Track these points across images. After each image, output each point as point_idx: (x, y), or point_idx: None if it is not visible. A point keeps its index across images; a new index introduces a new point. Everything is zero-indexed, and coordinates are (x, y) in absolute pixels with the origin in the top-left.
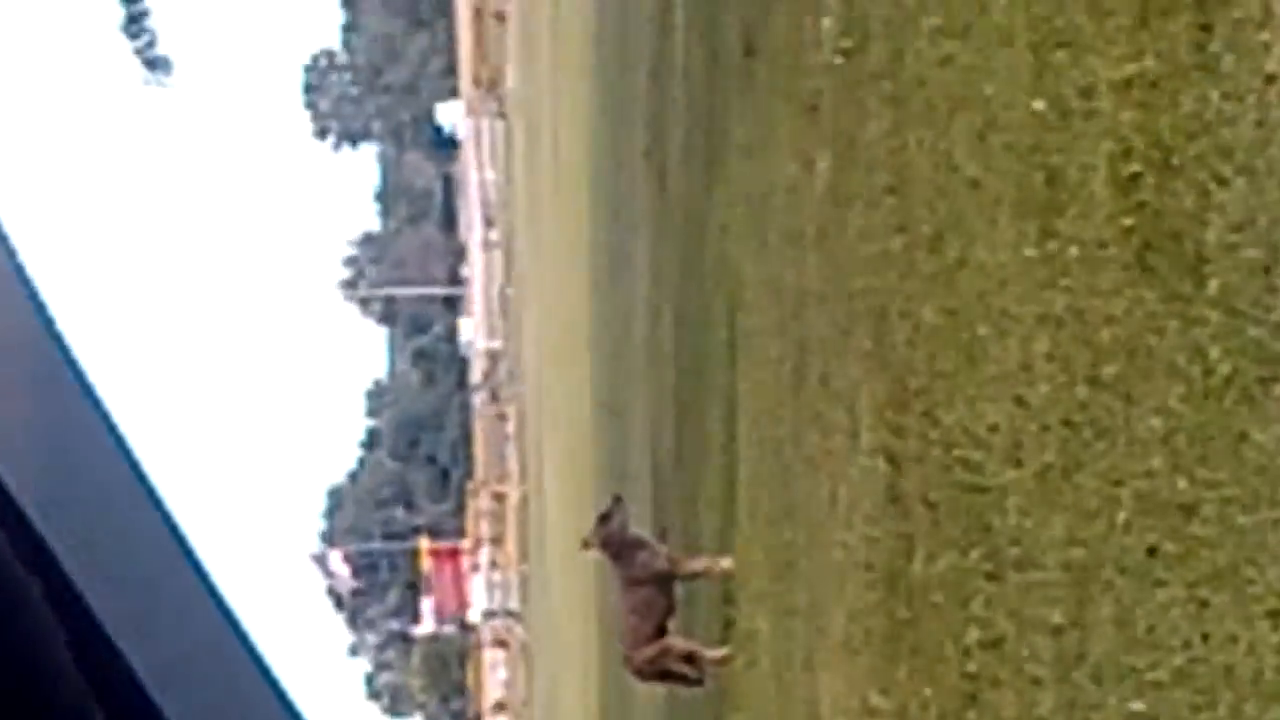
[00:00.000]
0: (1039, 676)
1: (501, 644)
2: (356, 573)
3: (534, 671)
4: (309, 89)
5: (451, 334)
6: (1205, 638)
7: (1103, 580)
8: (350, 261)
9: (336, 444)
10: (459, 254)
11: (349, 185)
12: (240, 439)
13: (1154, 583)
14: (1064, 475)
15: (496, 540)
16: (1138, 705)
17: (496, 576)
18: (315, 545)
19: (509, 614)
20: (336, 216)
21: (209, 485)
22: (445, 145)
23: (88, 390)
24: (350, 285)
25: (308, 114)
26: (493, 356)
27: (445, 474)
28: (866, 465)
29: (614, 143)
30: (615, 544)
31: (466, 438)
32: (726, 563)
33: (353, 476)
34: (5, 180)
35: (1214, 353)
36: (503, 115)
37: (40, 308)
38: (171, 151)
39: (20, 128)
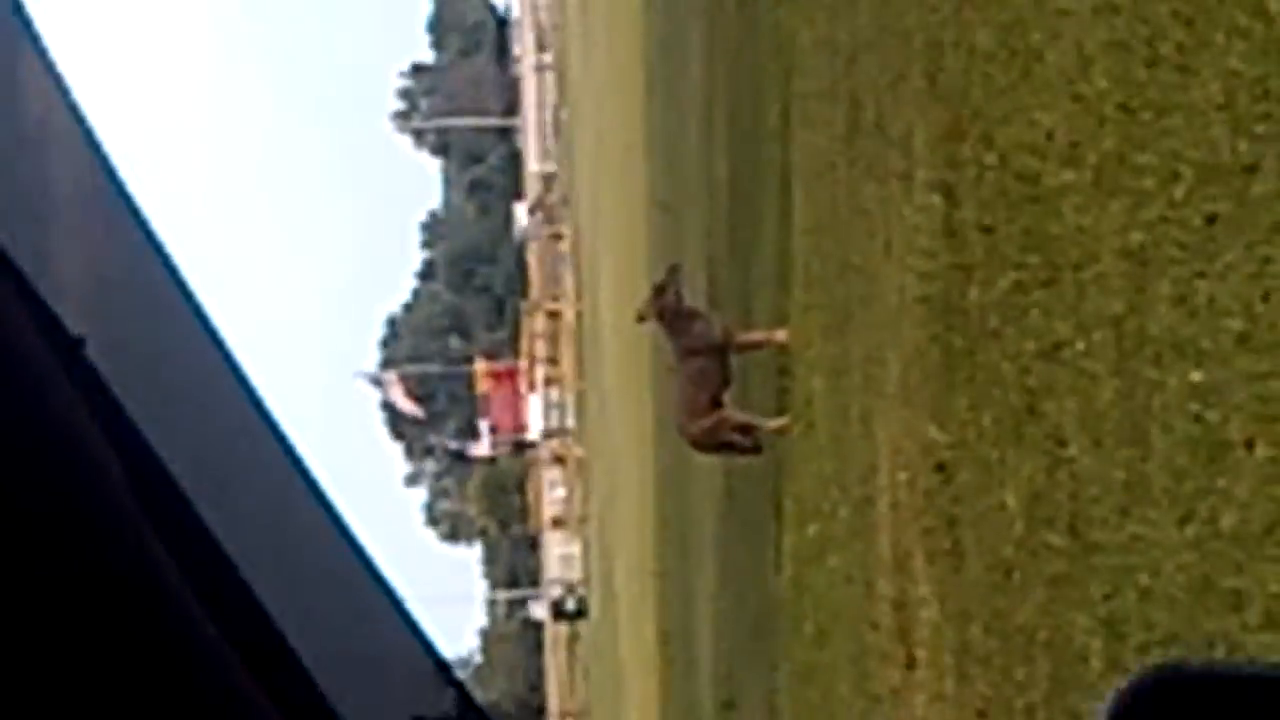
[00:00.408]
0: (1096, 373)
1: (559, 461)
2: (414, 398)
3: (591, 487)
4: None
5: (506, 165)
6: (1265, 297)
7: (1162, 258)
8: (404, 93)
9: (393, 274)
10: (513, 85)
11: (401, 16)
12: (298, 270)
13: (1213, 252)
14: (1121, 162)
15: (552, 359)
16: (1197, 376)
17: (553, 395)
18: (373, 369)
19: (565, 432)
20: (389, 47)
21: (269, 318)
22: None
23: (150, 235)
24: (404, 116)
25: None
26: (547, 179)
27: (500, 304)
28: (922, 203)
29: None
30: (671, 314)
31: (521, 268)
32: (781, 334)
33: (408, 307)
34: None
35: (1274, 5)
36: None
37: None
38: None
39: None
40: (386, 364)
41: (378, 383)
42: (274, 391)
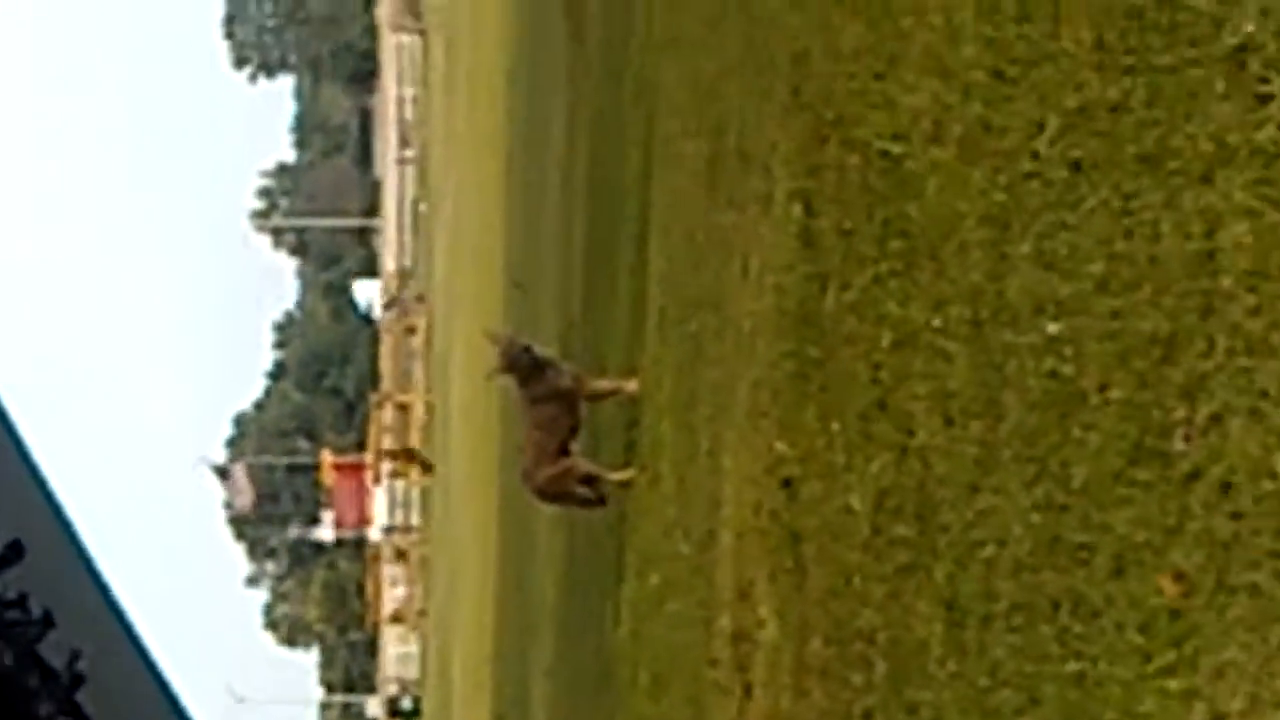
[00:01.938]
0: (950, 351)
1: (401, 557)
2: (256, 488)
3: (432, 583)
4: (229, 19)
5: (364, 269)
6: (1128, 234)
7: (1024, 217)
8: (264, 192)
9: (244, 373)
10: (374, 187)
11: (265, 116)
12: (148, 364)
13: (1077, 199)
14: (986, 128)
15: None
16: (1054, 328)
17: (398, 490)
18: (220, 459)
19: (409, 528)
20: (251, 147)
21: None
22: (364, 319)
23: None
24: (263, 216)
25: (226, 44)
26: (402, 273)
27: (350, 406)
28: (780, 218)
29: (533, 14)
30: (521, 363)
31: (374, 372)
32: (632, 384)
33: (258, 405)
34: None
35: None
36: (422, 32)
37: None
38: (87, 75)
39: None
40: (234, 460)
41: (223, 473)
42: (117, 487)
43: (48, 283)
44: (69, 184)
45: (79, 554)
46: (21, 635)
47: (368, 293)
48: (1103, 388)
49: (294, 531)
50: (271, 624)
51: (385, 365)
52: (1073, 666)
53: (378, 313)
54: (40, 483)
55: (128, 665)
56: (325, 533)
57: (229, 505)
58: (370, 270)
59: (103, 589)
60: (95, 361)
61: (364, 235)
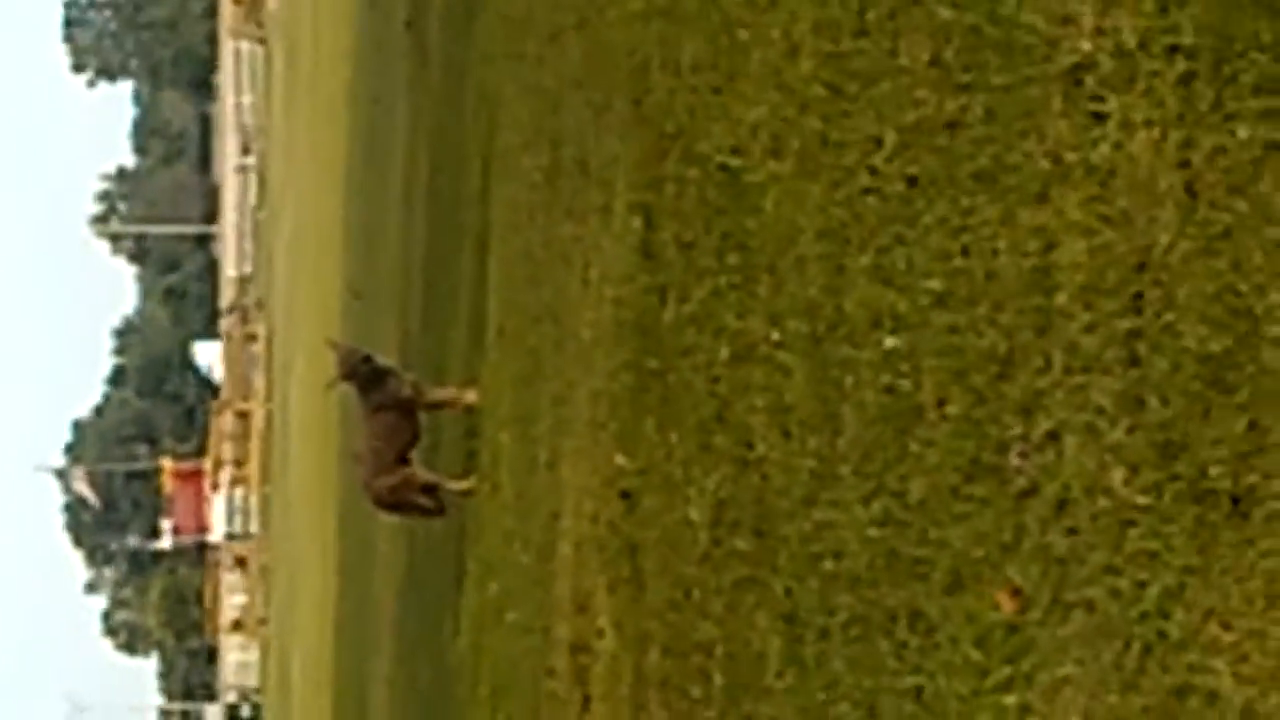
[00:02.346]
0: (788, 364)
1: (240, 564)
2: (96, 488)
3: (272, 591)
4: (69, 23)
5: (203, 273)
6: (965, 251)
7: (862, 232)
8: (103, 197)
9: (83, 378)
10: (213, 193)
11: (105, 122)
12: None
13: (913, 215)
14: (824, 143)
15: (239, 461)
16: (891, 342)
17: (238, 498)
18: (59, 463)
19: (249, 535)
20: (90, 153)
21: None
22: (205, 384)
23: None
24: (102, 220)
25: (65, 48)
26: (243, 281)
27: (191, 412)
28: (620, 231)
29: (374, 27)
30: (361, 371)
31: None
32: (471, 395)
33: (98, 411)
34: None
35: None
36: (262, 40)
37: None
38: None
39: None
40: (73, 465)
41: (62, 475)
42: None
43: None
44: None
45: None
46: None
47: (209, 355)
48: (940, 403)
49: (132, 541)
50: (110, 630)
51: (225, 371)
52: (910, 681)
53: (218, 374)
54: None
55: None
56: (164, 543)
57: (70, 509)
58: (211, 283)
59: None
60: None
61: (203, 241)
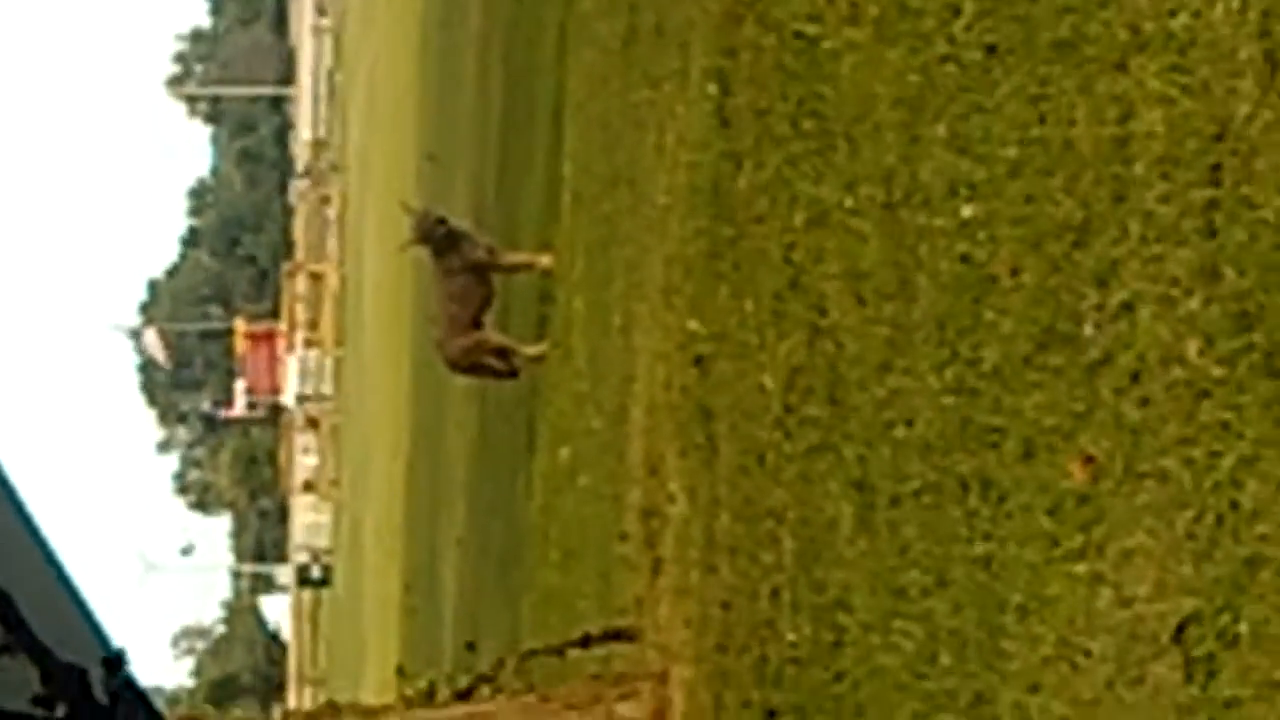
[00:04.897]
0: (863, 231)
1: (313, 425)
2: (169, 348)
3: (344, 453)
4: None
5: (278, 135)
6: (1042, 119)
7: (939, 100)
8: (179, 58)
9: (159, 239)
10: (289, 55)
11: None
12: (60, 227)
13: (991, 83)
14: (902, 9)
15: (313, 323)
16: (968, 211)
17: (311, 359)
18: (133, 322)
19: (322, 396)
20: (167, 13)
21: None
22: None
23: None
24: (178, 82)
25: None
26: (317, 144)
27: (264, 274)
28: (695, 97)
29: None
30: (435, 234)
31: (287, 241)
32: (546, 259)
33: (171, 272)
34: None
35: None
36: None
37: None
38: None
39: None
40: (146, 323)
41: (135, 335)
42: (29, 348)
43: None
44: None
45: None
46: None
47: (276, 611)
48: (1015, 272)
49: (205, 407)
50: (183, 489)
51: (299, 234)
52: (980, 548)
53: (286, 632)
54: None
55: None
56: (236, 410)
57: (144, 369)
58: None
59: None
60: (8, 222)
61: (278, 103)
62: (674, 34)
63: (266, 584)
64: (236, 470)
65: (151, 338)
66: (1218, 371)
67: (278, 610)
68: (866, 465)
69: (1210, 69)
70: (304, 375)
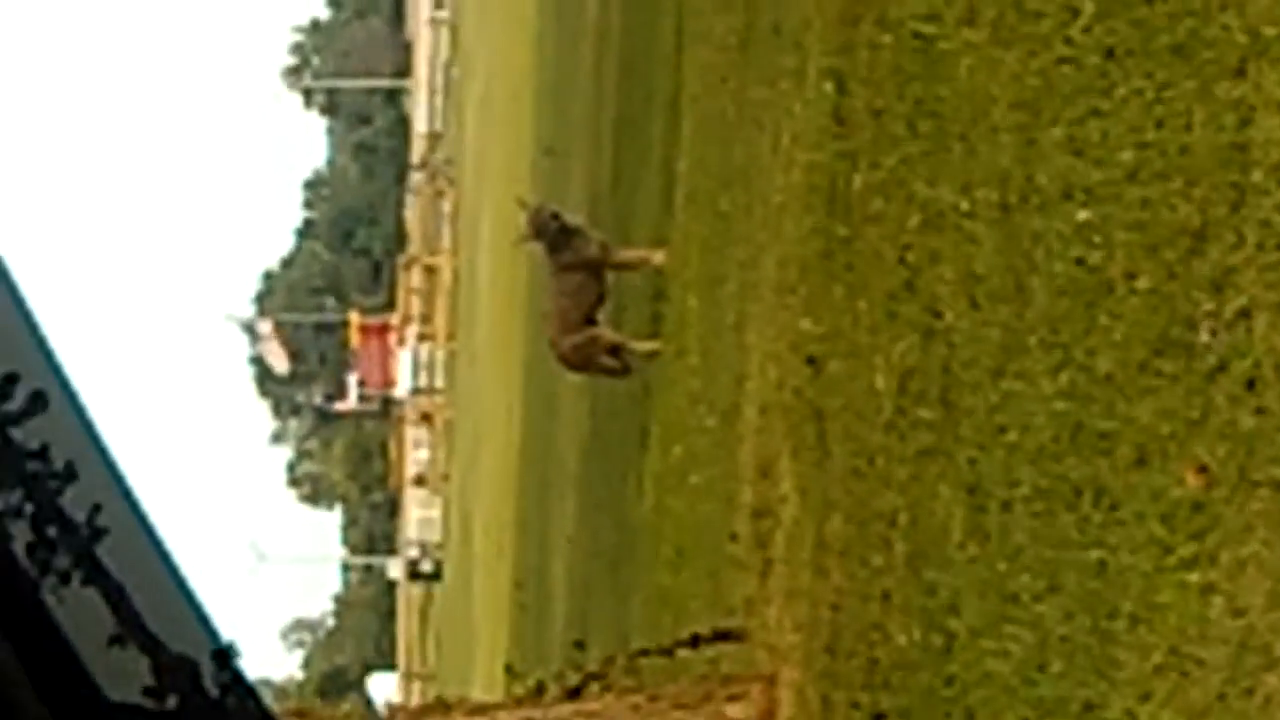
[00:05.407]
0: (977, 234)
1: (425, 419)
2: (288, 349)
3: (455, 447)
4: None
5: (394, 128)
6: (1160, 123)
7: (1056, 103)
8: (296, 49)
9: (273, 231)
10: (406, 48)
11: None
12: (175, 217)
13: (1109, 86)
14: (1020, 9)
15: (426, 316)
16: (1083, 215)
17: (424, 352)
18: (248, 313)
19: (434, 390)
20: (284, 4)
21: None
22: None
23: None
24: (294, 73)
25: None
26: (433, 137)
27: (378, 267)
28: (812, 96)
29: None
30: (549, 230)
31: (401, 233)
32: (659, 256)
33: (286, 262)
34: None
35: None
36: None
37: None
38: None
39: None
40: (261, 314)
41: (250, 329)
42: (144, 338)
43: (78, 132)
44: (101, 33)
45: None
46: (43, 487)
47: (383, 689)
48: (1130, 277)
49: (317, 399)
50: (295, 481)
51: (414, 227)
52: (1093, 555)
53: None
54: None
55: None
56: (349, 403)
57: (257, 361)
58: (402, 138)
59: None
60: (122, 211)
61: (394, 96)
62: (791, 33)
63: (379, 578)
64: (348, 463)
65: (271, 343)
66: None
67: (386, 688)
68: (978, 469)
69: None
70: (416, 369)
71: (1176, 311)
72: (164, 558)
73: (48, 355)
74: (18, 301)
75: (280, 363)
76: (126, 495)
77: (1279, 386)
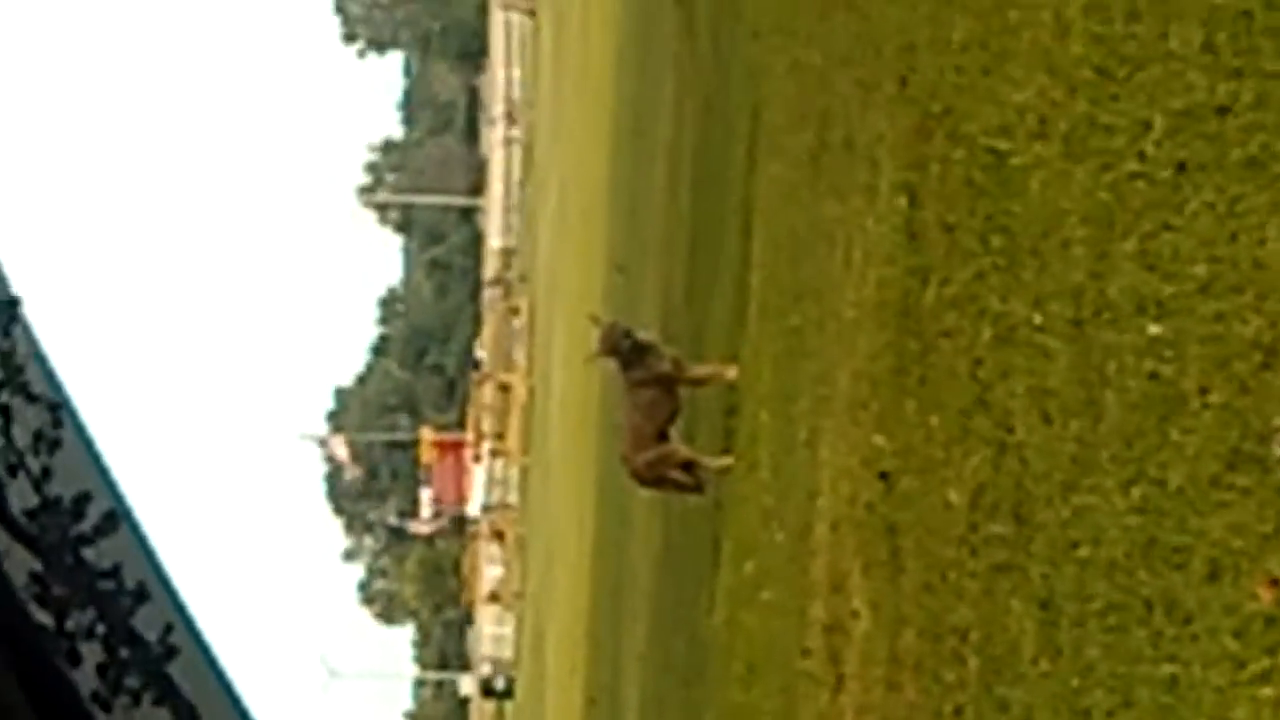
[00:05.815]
0: (1050, 348)
1: (498, 537)
2: (356, 457)
3: (528, 564)
4: None
5: (468, 245)
6: (1233, 237)
7: (1128, 217)
8: (370, 168)
9: (347, 348)
10: (480, 166)
11: (374, 92)
12: (253, 338)
13: (1181, 201)
14: (1091, 124)
15: (499, 434)
16: (1155, 330)
17: (497, 469)
18: (321, 430)
19: (507, 507)
20: (359, 123)
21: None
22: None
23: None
24: (369, 191)
25: (337, 18)
26: (507, 253)
27: (451, 385)
28: (884, 211)
29: (644, 1)
30: (622, 346)
31: (473, 351)
32: (731, 372)
33: (360, 380)
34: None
35: None
36: (532, 12)
37: None
38: (197, 49)
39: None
40: (334, 432)
41: (323, 443)
42: (217, 456)
43: (156, 251)
44: (180, 154)
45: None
46: (115, 606)
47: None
48: (1203, 391)
49: (391, 518)
50: (368, 599)
51: (487, 344)
52: (1166, 670)
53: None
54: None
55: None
56: (422, 525)
57: (331, 478)
58: (475, 256)
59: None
60: (199, 330)
61: (468, 213)
62: (863, 148)
63: (451, 696)
64: (421, 580)
65: (343, 455)
66: None
67: None
68: (1051, 584)
69: None
70: (490, 485)
71: (1248, 426)
72: (221, 678)
73: (111, 484)
74: (78, 427)
75: (352, 467)
76: (187, 618)
77: None
